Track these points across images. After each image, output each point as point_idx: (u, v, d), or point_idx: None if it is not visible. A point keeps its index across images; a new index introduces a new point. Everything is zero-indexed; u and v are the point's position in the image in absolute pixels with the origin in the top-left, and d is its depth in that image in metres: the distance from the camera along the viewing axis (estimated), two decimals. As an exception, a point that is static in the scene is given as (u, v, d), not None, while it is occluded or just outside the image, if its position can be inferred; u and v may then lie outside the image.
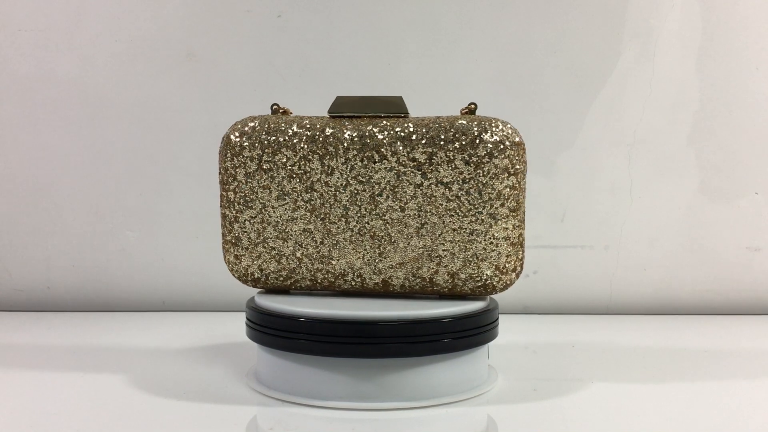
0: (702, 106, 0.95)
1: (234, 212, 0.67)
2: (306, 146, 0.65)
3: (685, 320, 0.94)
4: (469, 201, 0.63)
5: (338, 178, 0.65)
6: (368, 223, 0.65)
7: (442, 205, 0.63)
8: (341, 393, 0.62)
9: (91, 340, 0.83)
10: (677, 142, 0.96)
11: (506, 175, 0.63)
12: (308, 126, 0.66)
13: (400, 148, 0.63)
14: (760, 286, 0.97)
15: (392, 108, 0.65)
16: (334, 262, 0.66)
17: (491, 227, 0.63)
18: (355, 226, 0.65)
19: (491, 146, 0.62)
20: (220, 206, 0.68)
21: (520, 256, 0.64)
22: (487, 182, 0.63)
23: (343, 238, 0.65)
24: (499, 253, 0.63)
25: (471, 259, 0.64)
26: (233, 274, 0.69)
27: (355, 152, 0.64)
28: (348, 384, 0.62)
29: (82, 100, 0.96)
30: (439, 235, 0.64)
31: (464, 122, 0.63)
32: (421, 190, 0.63)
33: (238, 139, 0.67)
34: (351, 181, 0.64)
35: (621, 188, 0.96)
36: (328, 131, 0.65)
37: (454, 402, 0.63)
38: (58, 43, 0.95)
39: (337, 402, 0.61)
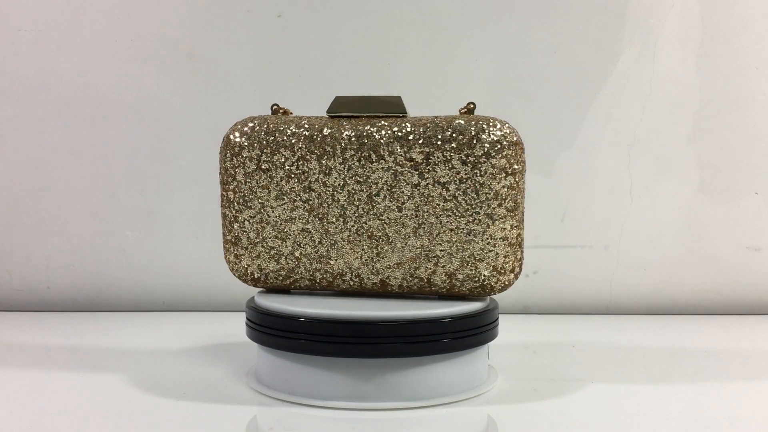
0: (702, 106, 0.95)
1: (233, 212, 0.68)
2: (304, 146, 0.65)
3: (685, 320, 0.94)
4: (466, 201, 0.63)
5: (336, 178, 0.65)
6: (366, 223, 0.65)
7: (439, 205, 0.63)
8: (341, 393, 0.62)
9: (91, 340, 0.83)
10: (677, 142, 0.96)
11: (504, 174, 0.62)
12: (306, 126, 0.66)
13: (398, 148, 0.63)
14: (760, 286, 0.97)
15: (391, 108, 0.65)
16: (332, 262, 0.66)
17: (489, 227, 0.63)
18: (352, 226, 0.65)
19: (488, 146, 0.62)
20: (221, 206, 0.68)
21: (518, 257, 0.64)
22: (484, 182, 0.62)
23: (341, 238, 0.65)
24: (497, 253, 0.63)
25: (468, 260, 0.63)
26: (234, 274, 0.69)
27: (353, 152, 0.64)
28: (348, 384, 0.62)
29: (82, 100, 0.96)
30: (437, 236, 0.64)
31: (462, 122, 0.63)
32: (418, 190, 0.63)
33: (237, 140, 0.67)
34: (348, 181, 0.64)
35: (621, 188, 0.96)
36: (326, 131, 0.65)
37: (454, 402, 0.63)
38: (58, 43, 0.95)
39: (337, 402, 0.61)
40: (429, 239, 0.64)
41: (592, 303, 0.97)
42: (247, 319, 0.67)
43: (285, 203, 0.66)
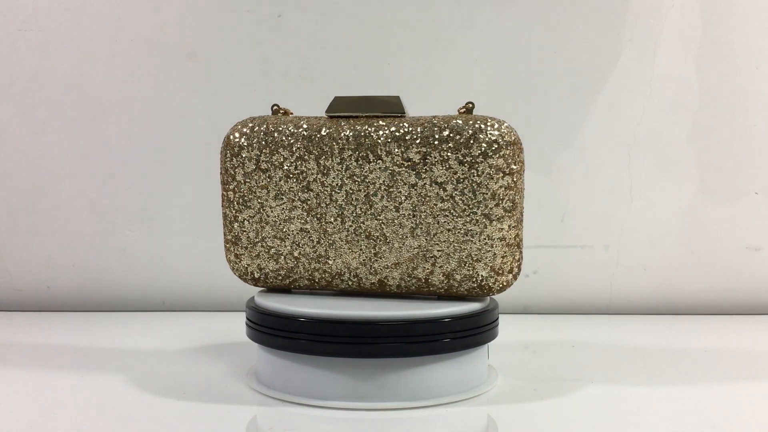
0: (702, 106, 0.95)
1: (233, 212, 0.68)
2: (302, 146, 0.65)
3: (685, 320, 0.94)
4: (463, 201, 0.62)
5: (334, 178, 0.65)
6: (363, 223, 0.65)
7: (436, 205, 0.63)
8: (341, 393, 0.62)
9: (91, 340, 0.83)
10: (677, 142, 0.96)
11: (501, 174, 0.62)
12: (305, 126, 0.66)
13: (395, 148, 0.63)
14: (760, 286, 0.97)
15: (389, 108, 0.65)
16: (330, 262, 0.66)
17: (486, 227, 0.62)
18: (350, 226, 0.65)
19: (485, 146, 0.62)
20: (221, 206, 0.69)
21: (516, 257, 0.64)
22: (481, 182, 0.62)
23: (339, 238, 0.65)
24: (495, 254, 0.63)
25: (466, 260, 0.63)
26: (234, 273, 0.70)
27: (351, 152, 0.64)
28: (348, 384, 0.62)
29: (82, 100, 0.96)
30: (434, 236, 0.63)
31: (459, 122, 0.63)
32: (415, 190, 0.63)
33: (237, 140, 0.67)
34: (346, 181, 0.64)
35: (621, 188, 0.96)
36: (324, 131, 0.65)
37: (454, 402, 0.63)
38: (58, 43, 0.95)
39: (337, 402, 0.61)
40: (426, 239, 0.64)
41: (592, 303, 0.97)
42: (247, 319, 0.67)
43: (284, 203, 0.66)
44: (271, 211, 0.67)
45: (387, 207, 0.64)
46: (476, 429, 0.59)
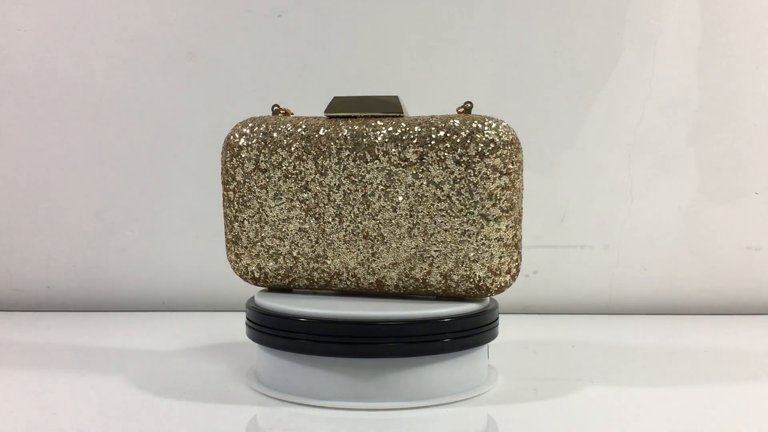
0: (702, 106, 0.95)
1: (234, 211, 0.68)
2: (301, 146, 0.65)
3: (685, 320, 0.94)
4: (460, 201, 0.62)
5: (332, 178, 0.65)
6: (361, 223, 0.64)
7: (433, 205, 0.63)
8: (341, 393, 0.62)
9: (91, 340, 0.83)
10: (677, 142, 0.96)
11: (498, 174, 0.61)
12: (304, 126, 0.66)
13: (392, 147, 0.63)
14: (760, 286, 0.97)
15: (387, 108, 0.65)
16: (328, 262, 0.66)
17: (483, 228, 0.62)
18: (348, 226, 0.65)
19: (482, 146, 0.61)
20: (222, 205, 0.69)
21: (514, 258, 0.63)
22: (478, 182, 0.61)
23: (337, 238, 0.65)
24: (492, 254, 0.62)
25: (463, 260, 0.63)
26: (235, 273, 0.70)
27: (348, 152, 0.64)
28: (348, 384, 0.62)
29: (82, 100, 0.96)
30: (431, 236, 0.63)
31: (456, 122, 0.62)
32: (412, 190, 0.63)
33: (237, 140, 0.67)
34: (344, 181, 0.64)
35: (621, 188, 0.96)
36: (323, 131, 0.65)
37: (454, 402, 0.63)
38: (58, 43, 0.95)
39: (337, 402, 0.61)
40: (424, 240, 0.63)
41: (592, 303, 0.97)
42: (247, 318, 0.67)
43: (282, 203, 0.66)
44: (271, 211, 0.67)
45: (384, 207, 0.64)
46: (476, 429, 0.59)
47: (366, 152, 0.64)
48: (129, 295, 0.98)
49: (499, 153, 0.61)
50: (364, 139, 0.64)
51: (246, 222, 0.68)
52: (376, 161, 0.63)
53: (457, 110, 0.64)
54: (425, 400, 0.62)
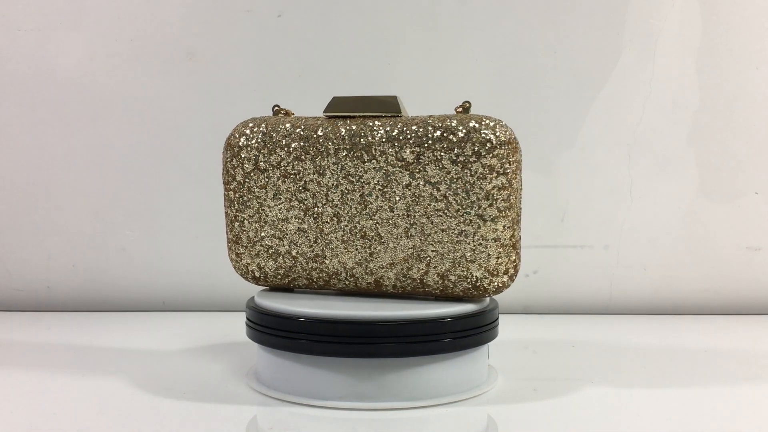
0: (702, 106, 0.95)
1: (234, 211, 0.68)
2: (299, 146, 0.65)
3: (685, 320, 0.94)
4: (456, 201, 0.62)
5: (329, 178, 0.65)
6: (359, 223, 0.64)
7: (430, 205, 0.62)
8: (341, 393, 0.62)
9: (91, 340, 0.83)
10: (677, 142, 0.96)
11: (495, 174, 0.61)
12: (302, 127, 0.66)
13: (389, 147, 0.63)
14: (760, 286, 0.97)
15: (386, 107, 0.65)
16: (327, 262, 0.66)
17: (480, 228, 0.62)
18: (346, 226, 0.65)
19: (478, 145, 0.61)
20: (224, 205, 0.69)
21: (512, 258, 0.63)
22: (474, 182, 0.61)
23: (335, 238, 0.65)
24: (489, 254, 0.62)
25: (460, 261, 0.62)
26: (237, 272, 0.70)
27: (346, 152, 0.64)
28: (348, 384, 0.62)
29: (82, 100, 0.96)
30: (428, 236, 0.63)
31: (453, 121, 0.62)
32: (409, 190, 0.63)
33: (237, 140, 0.67)
34: (342, 181, 0.64)
35: (621, 188, 0.96)
36: (321, 131, 0.65)
37: (454, 402, 0.63)
38: (58, 43, 0.95)
39: (337, 402, 0.61)
40: (421, 240, 0.63)
41: (592, 303, 0.97)
42: (247, 318, 0.67)
43: (281, 203, 0.66)
44: (270, 211, 0.67)
45: (382, 207, 0.64)
46: (476, 429, 0.59)
47: (363, 152, 0.64)
48: (129, 295, 0.98)
49: (495, 153, 0.61)
50: (362, 139, 0.64)
51: (246, 222, 0.68)
52: (373, 161, 0.63)
53: (455, 110, 0.64)
54: (425, 400, 0.62)
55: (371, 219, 0.64)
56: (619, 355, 0.78)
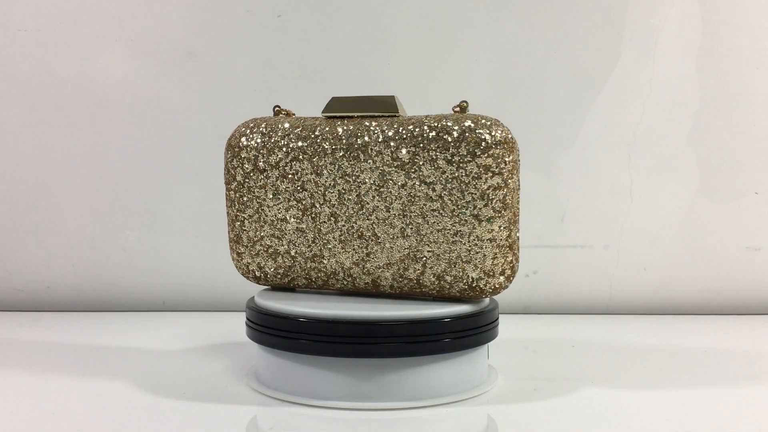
0: (702, 106, 0.95)
1: (235, 211, 0.68)
2: (297, 147, 0.65)
3: (685, 320, 0.94)
4: (452, 201, 0.61)
5: (327, 177, 0.65)
6: (356, 223, 0.64)
7: (425, 205, 0.62)
8: (341, 393, 0.62)
9: (91, 340, 0.83)
10: (677, 142, 0.96)
11: (490, 174, 0.60)
12: (301, 127, 0.66)
13: (385, 147, 0.63)
14: (760, 286, 0.97)
15: (384, 107, 0.65)
16: (325, 261, 0.66)
17: (475, 228, 0.61)
18: (343, 226, 0.65)
19: (473, 145, 0.61)
20: (225, 205, 0.69)
21: (509, 259, 0.62)
22: (469, 182, 0.61)
23: (333, 238, 0.65)
24: (485, 255, 0.62)
25: (456, 261, 0.62)
26: (238, 271, 0.70)
27: (343, 152, 0.64)
28: (348, 384, 0.62)
29: (82, 100, 0.96)
30: (424, 236, 0.63)
31: (449, 121, 0.62)
32: (405, 190, 0.63)
33: (237, 141, 0.68)
34: (338, 181, 0.64)
35: (621, 188, 0.96)
36: (318, 132, 0.65)
37: (454, 402, 0.63)
38: (58, 43, 0.95)
39: (337, 402, 0.61)
40: (417, 240, 0.63)
41: (592, 303, 0.97)
42: (247, 319, 0.67)
43: (280, 203, 0.66)
44: (269, 211, 0.67)
45: (378, 207, 0.64)
46: (476, 429, 0.59)
47: (360, 152, 0.64)
48: (129, 295, 0.99)
49: (490, 152, 0.60)
50: (358, 139, 0.64)
51: (246, 221, 0.68)
52: (369, 161, 0.63)
53: (452, 110, 0.64)
54: (425, 400, 0.62)
55: (368, 219, 0.64)
56: (619, 355, 0.79)
